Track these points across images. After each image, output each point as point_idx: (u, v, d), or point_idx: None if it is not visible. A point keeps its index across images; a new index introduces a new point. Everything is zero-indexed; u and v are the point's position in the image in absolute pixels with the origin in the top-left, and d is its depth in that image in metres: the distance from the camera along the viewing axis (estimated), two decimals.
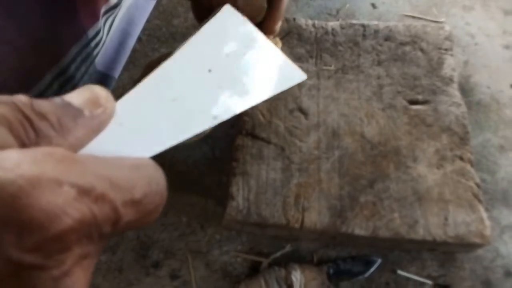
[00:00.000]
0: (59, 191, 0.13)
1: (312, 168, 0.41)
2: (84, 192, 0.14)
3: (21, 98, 0.16)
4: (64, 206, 0.13)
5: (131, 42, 0.52)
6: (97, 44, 0.43)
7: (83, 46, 0.40)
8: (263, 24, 0.34)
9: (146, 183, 0.17)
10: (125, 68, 0.51)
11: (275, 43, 0.37)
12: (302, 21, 0.50)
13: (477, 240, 0.37)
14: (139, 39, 0.53)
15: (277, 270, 0.40)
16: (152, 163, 0.18)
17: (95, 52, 0.44)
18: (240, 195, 0.39)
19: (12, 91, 0.37)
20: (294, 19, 0.50)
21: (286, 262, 0.41)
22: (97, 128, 0.18)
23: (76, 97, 0.17)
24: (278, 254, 0.42)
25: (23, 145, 0.15)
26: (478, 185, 0.40)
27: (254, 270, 0.41)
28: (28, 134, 0.15)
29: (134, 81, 0.38)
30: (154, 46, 0.53)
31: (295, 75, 0.29)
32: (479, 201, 0.39)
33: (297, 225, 0.38)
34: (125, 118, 0.21)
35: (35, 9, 0.34)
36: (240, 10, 0.33)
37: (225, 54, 0.26)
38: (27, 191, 0.13)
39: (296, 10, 0.56)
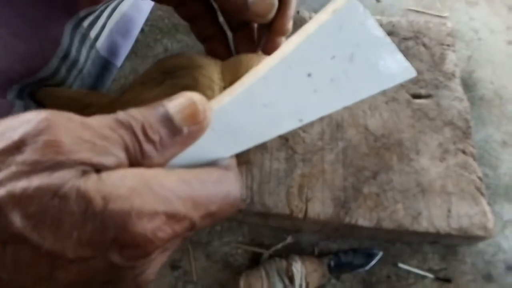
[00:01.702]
0: (154, 220, 0.18)
1: (316, 159, 0.40)
2: (171, 216, 0.18)
3: (137, 118, 0.19)
4: (156, 231, 0.18)
5: (136, 30, 0.51)
6: (91, 25, 0.43)
7: (74, 25, 0.40)
8: (274, 24, 0.32)
9: (223, 197, 0.21)
10: (127, 58, 0.50)
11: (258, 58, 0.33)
12: (306, 14, 0.50)
13: (480, 232, 0.37)
14: (141, 30, 0.52)
15: (278, 262, 0.39)
16: (235, 172, 0.22)
17: (92, 34, 0.43)
18: (243, 184, 0.39)
19: (20, 75, 0.37)
20: (298, 12, 0.50)
21: (287, 253, 0.40)
22: (191, 142, 0.21)
23: (177, 109, 0.20)
24: (279, 245, 0.42)
25: (131, 163, 0.19)
26: (480, 179, 0.40)
27: (255, 262, 0.41)
28: (136, 156, 0.19)
29: (142, 76, 0.38)
30: (156, 37, 0.52)
31: (403, 72, 0.24)
32: (482, 194, 0.39)
33: (300, 215, 0.38)
34: (217, 124, 0.22)
35: None
36: (250, 9, 0.30)
37: (331, 56, 0.23)
38: (133, 220, 0.17)
39: (300, 3, 0.56)
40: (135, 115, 0.19)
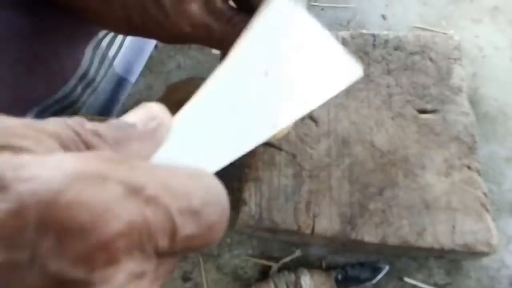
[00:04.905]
0: (104, 188, 0.11)
1: (323, 175, 0.42)
2: (133, 190, 0.12)
3: (74, 119, 0.15)
4: (110, 204, 0.11)
5: (150, 47, 0.53)
6: (109, 44, 0.45)
7: (95, 46, 0.42)
8: None
9: (204, 192, 0.15)
10: (142, 74, 0.52)
11: None
12: None
13: (483, 248, 0.38)
14: (155, 47, 0.54)
15: (287, 275, 0.41)
16: (211, 174, 0.16)
17: (110, 54, 0.45)
18: (253, 200, 0.40)
19: (40, 96, 0.38)
20: None
21: (295, 267, 0.42)
22: (154, 140, 0.17)
23: (131, 115, 0.17)
24: (288, 259, 0.43)
25: None
26: (485, 194, 0.41)
27: (264, 274, 0.42)
28: (78, 147, 0.14)
29: (158, 100, 0.39)
30: (170, 54, 0.54)
31: (351, 70, 0.26)
32: (486, 210, 0.40)
33: (308, 231, 0.39)
34: (186, 134, 0.20)
35: (53, 17, 0.36)
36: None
37: (280, 52, 0.24)
38: (67, 188, 0.11)
39: None
40: (74, 118, 0.15)
